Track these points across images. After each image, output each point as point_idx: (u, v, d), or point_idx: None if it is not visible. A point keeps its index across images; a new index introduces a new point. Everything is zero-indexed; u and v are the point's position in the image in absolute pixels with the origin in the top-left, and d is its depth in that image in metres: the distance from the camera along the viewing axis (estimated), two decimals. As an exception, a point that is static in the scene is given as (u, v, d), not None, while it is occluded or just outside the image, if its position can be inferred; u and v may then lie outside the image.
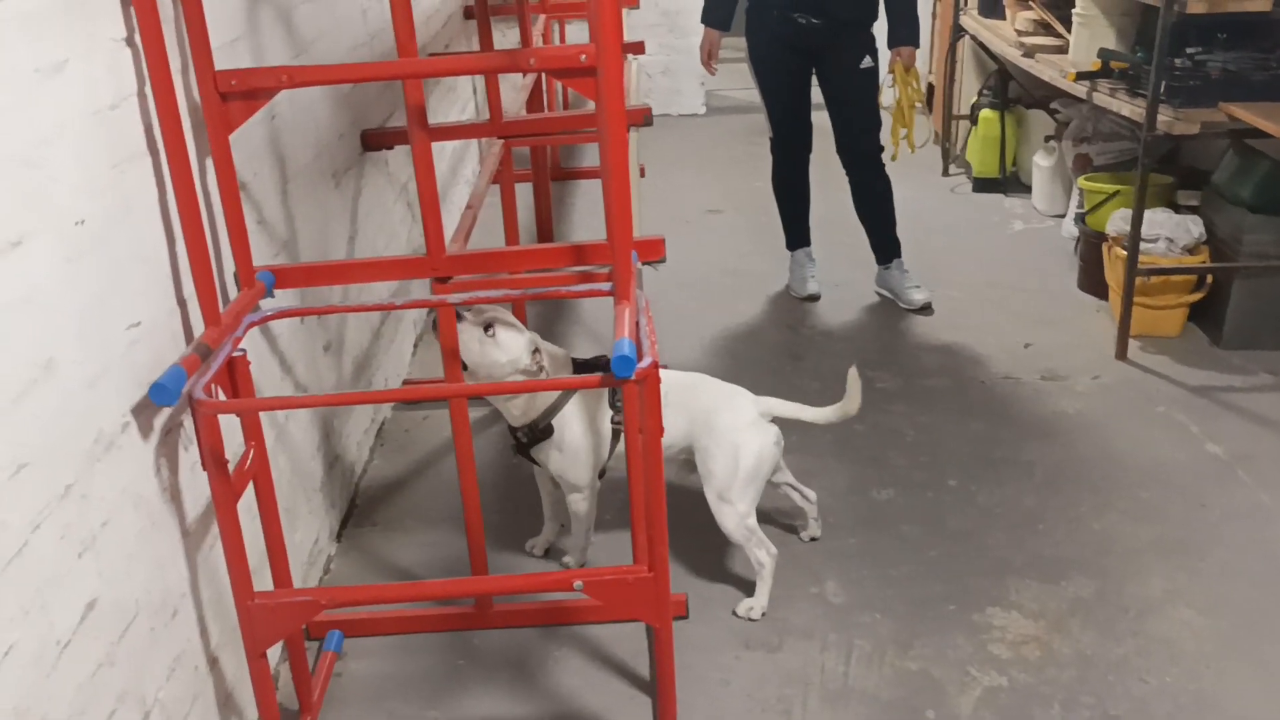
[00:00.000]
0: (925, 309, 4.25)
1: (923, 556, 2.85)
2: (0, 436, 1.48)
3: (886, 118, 4.30)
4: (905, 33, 4.16)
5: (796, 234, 4.53)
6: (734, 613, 2.65)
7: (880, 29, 4.15)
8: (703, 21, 4.33)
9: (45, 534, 1.57)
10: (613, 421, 2.67)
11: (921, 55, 4.25)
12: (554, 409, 2.63)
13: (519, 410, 2.64)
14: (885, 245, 4.39)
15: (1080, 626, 2.58)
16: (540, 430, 2.64)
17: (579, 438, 2.66)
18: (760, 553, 2.66)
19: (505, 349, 2.51)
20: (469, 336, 2.48)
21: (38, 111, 1.60)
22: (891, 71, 4.18)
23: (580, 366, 2.69)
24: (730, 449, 2.63)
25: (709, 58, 4.33)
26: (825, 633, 2.59)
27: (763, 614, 2.64)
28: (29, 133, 1.58)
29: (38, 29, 1.61)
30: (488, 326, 2.50)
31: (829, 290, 4.45)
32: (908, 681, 2.44)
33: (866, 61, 4.13)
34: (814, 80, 4.26)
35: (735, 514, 2.63)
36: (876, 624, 2.61)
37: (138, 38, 1.86)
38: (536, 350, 2.57)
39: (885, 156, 4.26)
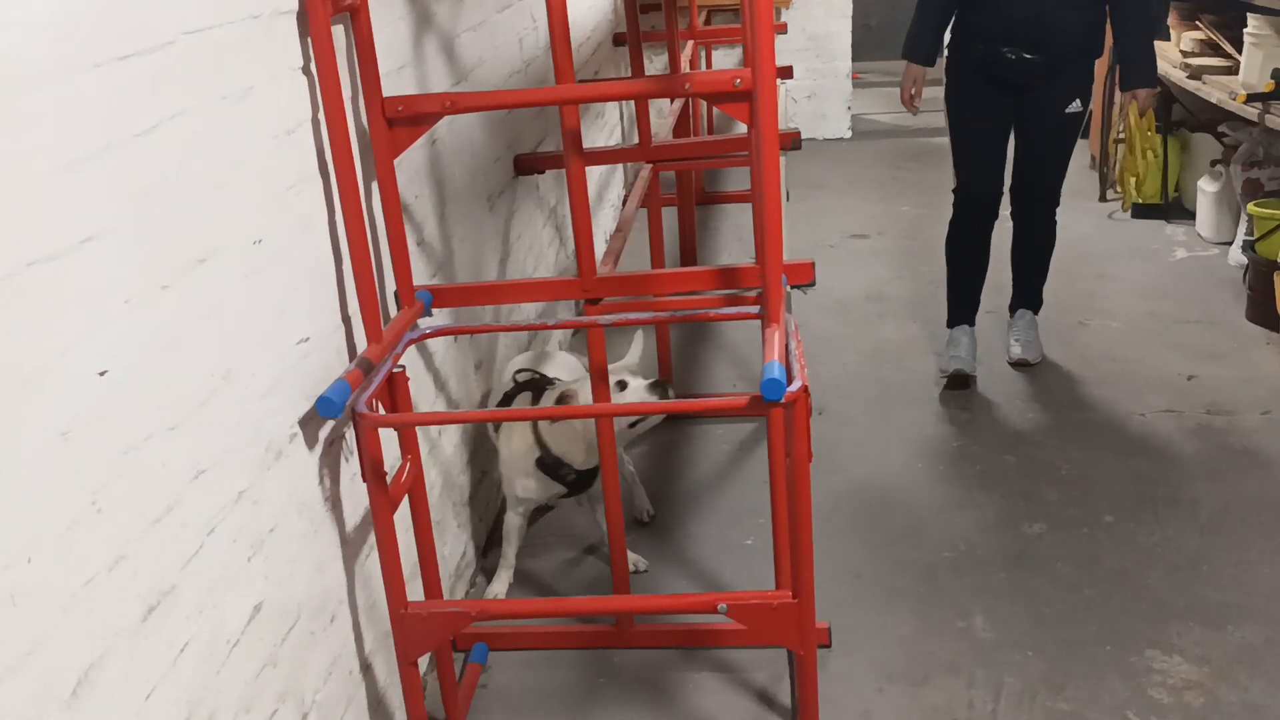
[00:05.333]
0: (1021, 365, 3.93)
1: (1076, 595, 2.74)
2: (183, 442, 1.56)
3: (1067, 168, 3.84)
4: (1142, 74, 3.64)
5: (961, 307, 3.93)
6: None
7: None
8: (904, 56, 3.75)
9: (220, 536, 1.66)
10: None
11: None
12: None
13: (588, 449, 2.69)
14: (1027, 295, 4.03)
15: (1249, 675, 2.44)
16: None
17: None
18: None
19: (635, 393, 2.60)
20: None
21: (226, 136, 1.70)
22: (1125, 116, 3.79)
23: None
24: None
25: (912, 97, 3.76)
26: (972, 669, 2.52)
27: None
28: (218, 156, 1.67)
29: (227, 58, 1.70)
30: (621, 384, 2.59)
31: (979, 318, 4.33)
32: (1060, 724, 2.35)
33: (1074, 105, 3.62)
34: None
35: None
36: (1027, 662, 2.53)
37: (313, 66, 1.96)
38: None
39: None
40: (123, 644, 1.41)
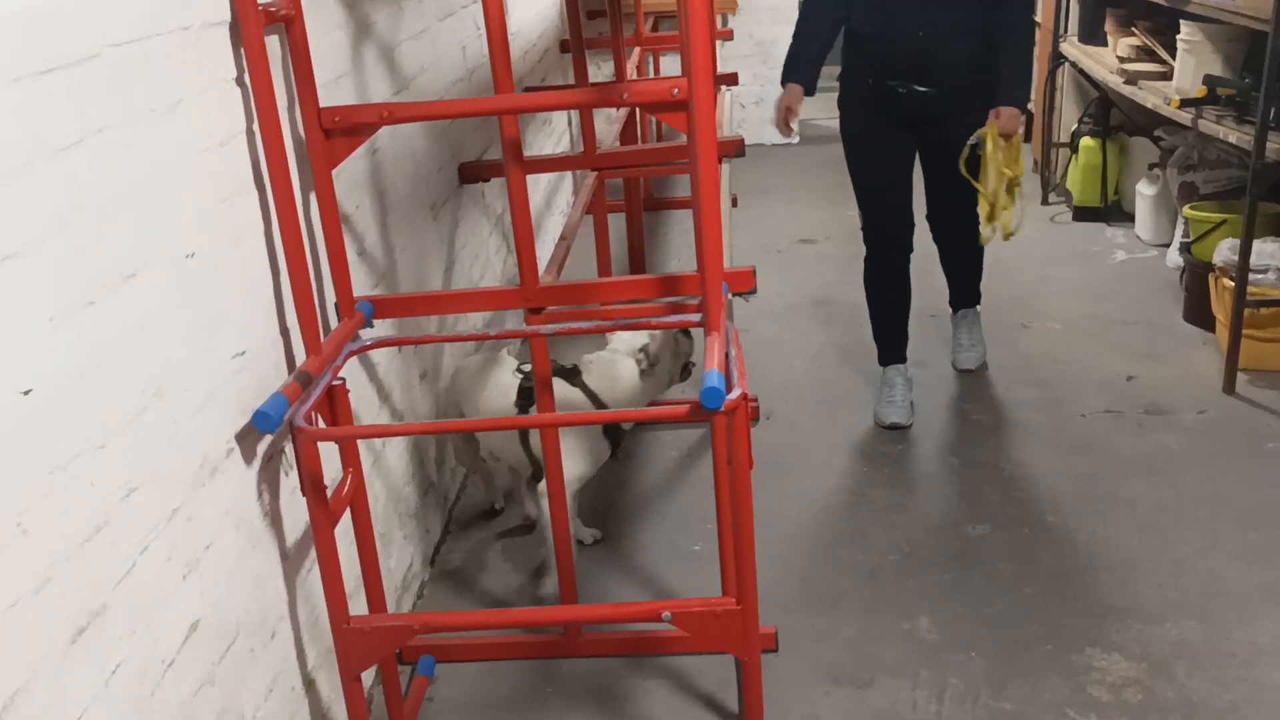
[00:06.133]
0: (967, 372, 3.97)
1: (1018, 595, 2.78)
2: (113, 461, 1.54)
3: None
4: (1007, 91, 3.37)
5: (890, 346, 3.76)
6: None
7: None
8: (784, 81, 3.58)
9: (153, 555, 1.63)
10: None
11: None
12: None
13: (635, 398, 2.97)
14: (966, 294, 4.01)
15: (1185, 671, 2.49)
16: None
17: None
18: None
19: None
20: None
21: (155, 149, 1.68)
22: (981, 137, 3.36)
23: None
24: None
25: (786, 119, 3.58)
26: (917, 670, 2.54)
27: None
28: (146, 169, 1.65)
29: (155, 70, 1.68)
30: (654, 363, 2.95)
31: (921, 322, 4.37)
32: (1002, 723, 2.38)
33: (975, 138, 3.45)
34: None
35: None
36: (970, 663, 2.56)
37: (247, 77, 1.94)
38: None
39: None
40: (50, 667, 1.39)
